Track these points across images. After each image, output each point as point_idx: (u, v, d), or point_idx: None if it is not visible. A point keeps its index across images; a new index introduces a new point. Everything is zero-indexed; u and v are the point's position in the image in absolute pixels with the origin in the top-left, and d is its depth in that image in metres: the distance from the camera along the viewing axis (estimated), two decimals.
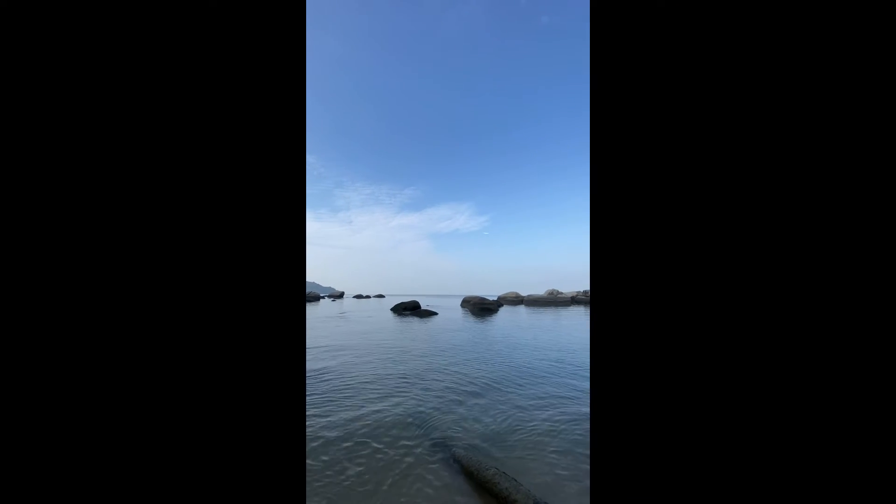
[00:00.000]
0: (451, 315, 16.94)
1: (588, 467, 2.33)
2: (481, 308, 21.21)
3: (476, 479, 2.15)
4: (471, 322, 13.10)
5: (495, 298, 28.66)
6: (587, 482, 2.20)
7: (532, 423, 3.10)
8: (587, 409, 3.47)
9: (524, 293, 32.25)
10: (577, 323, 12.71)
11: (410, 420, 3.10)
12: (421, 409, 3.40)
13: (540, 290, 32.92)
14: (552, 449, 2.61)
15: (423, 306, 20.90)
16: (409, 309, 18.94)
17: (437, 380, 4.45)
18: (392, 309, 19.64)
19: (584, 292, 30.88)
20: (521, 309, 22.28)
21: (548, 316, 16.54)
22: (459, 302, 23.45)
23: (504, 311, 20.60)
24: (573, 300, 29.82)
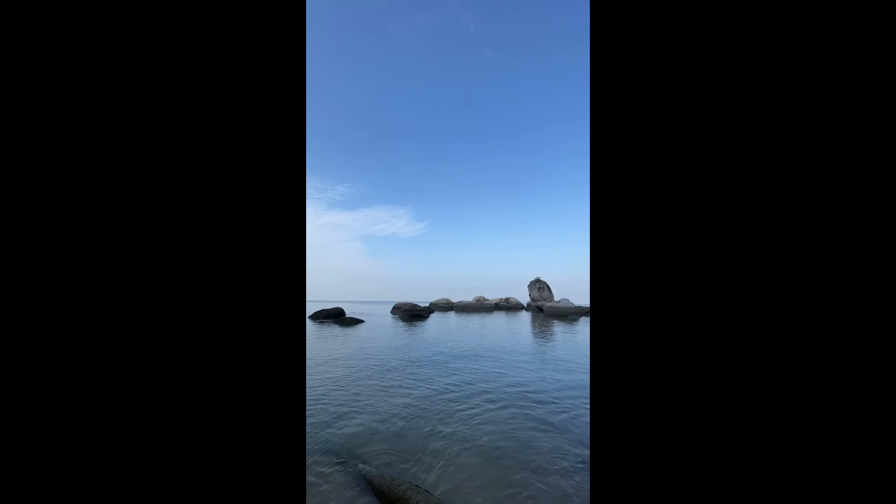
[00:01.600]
0: (379, 322, 16.26)
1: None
2: (412, 315, 21.11)
3: (388, 498, 2.08)
4: (398, 330, 12.85)
5: (427, 304, 28.98)
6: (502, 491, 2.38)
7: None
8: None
9: (455, 299, 33.68)
10: (492, 323, 13.90)
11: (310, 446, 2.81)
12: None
13: (469, 297, 34.97)
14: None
15: (349, 313, 19.47)
16: (331, 316, 17.31)
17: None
18: (311, 317, 17.61)
19: (506, 299, 34.36)
20: (451, 315, 23.13)
21: (474, 321, 17.64)
22: (391, 308, 22.72)
23: (434, 317, 21.00)
24: (496, 306, 32.78)
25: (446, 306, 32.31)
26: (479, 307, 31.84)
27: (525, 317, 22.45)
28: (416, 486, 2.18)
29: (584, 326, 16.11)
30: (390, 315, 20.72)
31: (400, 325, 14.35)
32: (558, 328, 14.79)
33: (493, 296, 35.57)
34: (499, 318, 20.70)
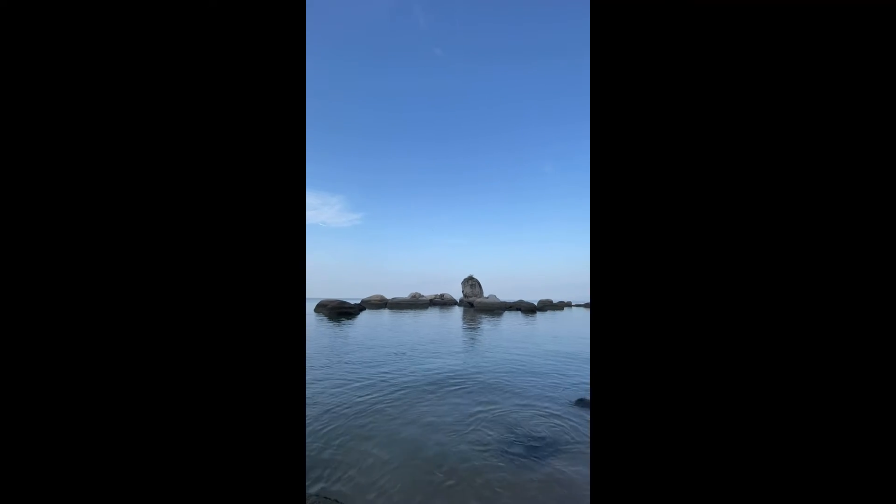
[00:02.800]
0: None
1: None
2: (339, 312, 19.54)
3: None
4: (322, 330, 11.71)
5: (358, 302, 27.34)
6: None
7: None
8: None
9: (390, 296, 32.76)
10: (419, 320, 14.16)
11: None
12: None
13: (404, 293, 34.56)
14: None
15: None
16: None
17: None
18: None
19: (440, 295, 35.30)
20: (385, 312, 22.42)
21: (407, 317, 17.50)
22: (314, 306, 20.52)
23: (365, 315, 19.96)
24: (431, 302, 33.36)
25: (379, 303, 31.18)
26: (415, 303, 31.84)
27: (457, 312, 23.51)
28: (325, 496, 1.96)
29: (506, 319, 17.86)
30: (313, 314, 18.73)
31: (324, 325, 13.06)
32: (483, 322, 15.94)
33: (429, 292, 36.06)
34: (432, 313, 21.05)
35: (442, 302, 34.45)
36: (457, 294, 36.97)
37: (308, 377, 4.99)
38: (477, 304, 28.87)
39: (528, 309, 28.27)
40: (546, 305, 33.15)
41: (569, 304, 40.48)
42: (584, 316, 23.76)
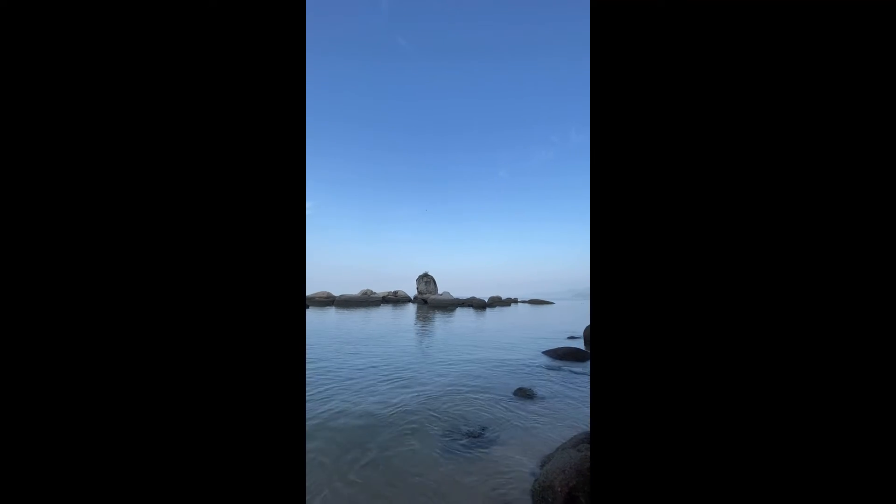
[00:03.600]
0: None
1: None
2: None
3: None
4: None
5: None
6: None
7: None
8: None
9: (337, 293, 30.74)
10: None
11: None
12: None
13: (355, 290, 32.76)
14: None
15: None
16: None
17: None
18: None
19: (394, 292, 34.44)
20: (331, 311, 20.91)
21: (355, 316, 16.60)
22: None
23: (308, 312, 18.32)
24: (384, 299, 32.29)
25: (325, 300, 29.02)
26: (366, 301, 30.43)
27: (411, 309, 23.21)
28: None
29: (458, 315, 18.29)
30: None
31: None
32: (436, 319, 16.06)
33: (383, 289, 34.84)
34: (384, 311, 20.39)
35: (395, 299, 33.66)
36: (412, 291, 36.56)
37: None
38: (431, 301, 28.97)
39: (479, 305, 29.44)
40: (495, 302, 34.99)
41: (515, 301, 43.44)
42: (528, 310, 25.72)
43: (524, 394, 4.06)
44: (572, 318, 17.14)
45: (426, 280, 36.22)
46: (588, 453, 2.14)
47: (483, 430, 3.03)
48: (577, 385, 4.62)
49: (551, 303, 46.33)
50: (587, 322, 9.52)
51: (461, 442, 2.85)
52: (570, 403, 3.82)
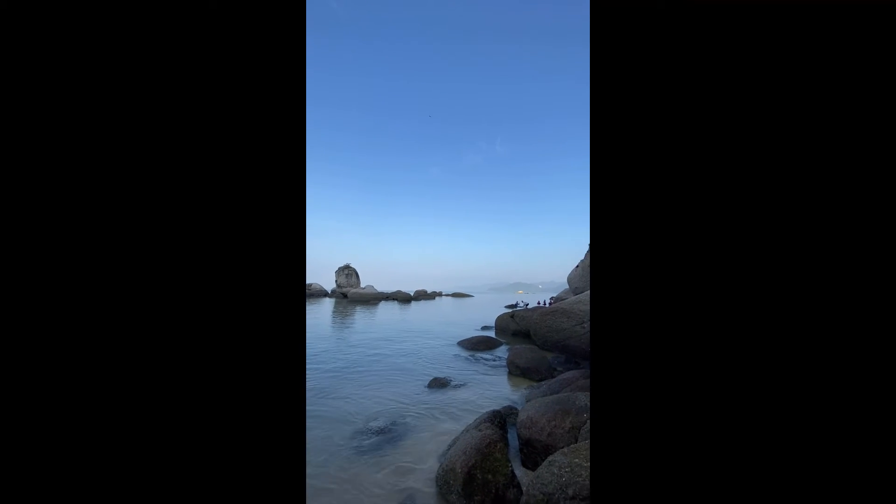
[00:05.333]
0: None
1: None
2: None
3: None
4: None
5: None
6: None
7: None
8: None
9: None
10: None
11: None
12: None
13: None
14: None
15: None
16: None
17: None
18: None
19: (308, 286, 30.83)
20: None
21: None
22: None
23: None
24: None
25: None
26: None
27: (327, 304, 21.15)
28: None
29: (381, 308, 17.75)
30: None
31: None
32: (357, 312, 15.16)
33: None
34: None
35: (309, 293, 30.07)
36: (329, 285, 33.34)
37: None
38: (351, 295, 27.09)
39: (404, 299, 29.27)
40: (421, 295, 35.54)
41: (440, 294, 45.16)
42: (450, 303, 27.13)
43: (438, 383, 4.21)
44: (487, 309, 18.95)
45: (347, 273, 33.69)
46: (488, 431, 2.36)
47: (393, 424, 2.99)
48: (485, 371, 5.09)
49: (471, 296, 50.22)
50: (500, 312, 10.65)
51: (370, 441, 2.73)
52: (478, 388, 4.17)
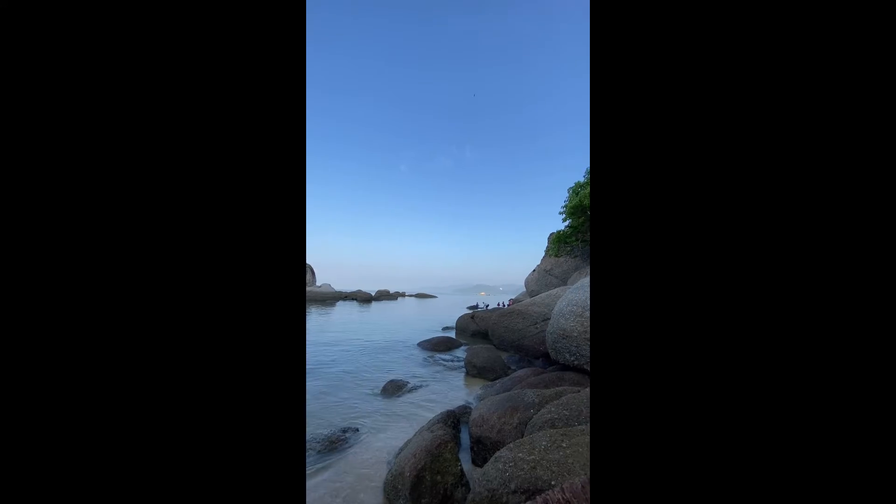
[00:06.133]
0: None
1: None
2: None
3: None
4: None
5: None
6: None
7: None
8: None
9: None
10: None
11: None
12: None
13: None
14: None
15: None
16: None
17: None
18: None
19: None
20: None
21: None
22: None
23: None
24: None
25: None
26: None
27: None
28: None
29: (337, 309, 16.79)
30: None
31: None
32: (311, 314, 14.18)
33: None
34: None
35: None
36: None
37: None
38: (306, 295, 25.22)
39: (364, 299, 28.14)
40: (383, 295, 34.57)
41: (403, 294, 44.43)
42: (413, 303, 26.83)
43: (393, 386, 4.11)
44: (450, 310, 19.16)
45: None
46: (440, 432, 2.35)
47: (343, 432, 2.83)
48: (443, 372, 5.12)
49: (435, 297, 50.31)
50: (462, 313, 10.82)
51: (316, 451, 2.54)
52: (435, 390, 4.17)
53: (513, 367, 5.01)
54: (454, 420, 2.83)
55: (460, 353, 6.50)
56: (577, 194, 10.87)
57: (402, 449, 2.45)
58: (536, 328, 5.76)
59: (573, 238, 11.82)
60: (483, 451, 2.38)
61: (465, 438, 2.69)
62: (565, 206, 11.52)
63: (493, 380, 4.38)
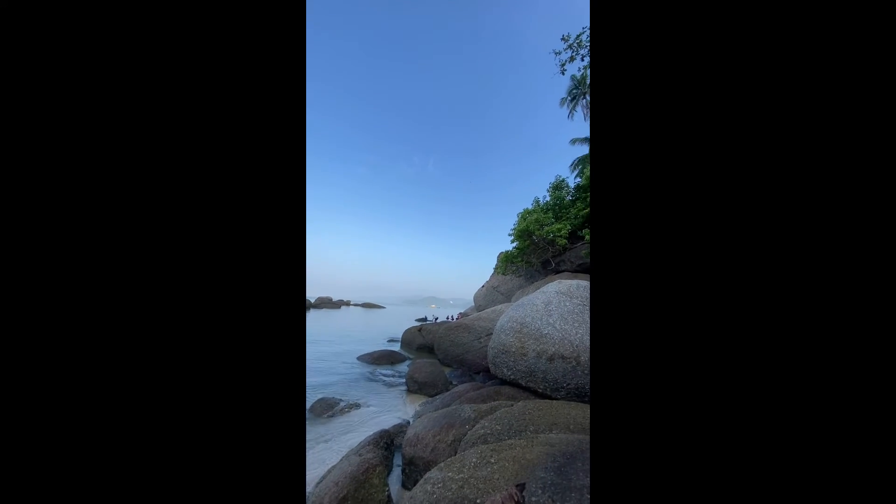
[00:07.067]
0: None
1: None
2: None
3: None
4: None
5: None
6: None
7: None
8: None
9: None
10: None
11: None
12: None
13: None
14: None
15: None
16: None
17: None
18: None
19: None
20: None
21: None
22: None
23: None
24: None
25: None
26: None
27: None
28: None
29: None
30: None
31: None
32: None
33: None
34: None
35: None
36: None
37: None
38: None
39: None
40: (323, 303, 31.86)
41: (347, 303, 41.65)
42: (359, 313, 25.24)
43: (323, 405, 3.72)
44: (398, 322, 18.56)
45: None
46: (368, 455, 2.18)
47: None
48: (382, 388, 4.85)
49: (383, 307, 48.29)
50: (410, 325, 10.53)
51: None
52: (371, 408, 3.90)
53: (454, 382, 5.02)
54: (388, 441, 2.67)
55: (404, 367, 6.28)
56: (524, 220, 11.88)
57: (324, 477, 2.19)
58: (480, 343, 5.92)
59: (519, 259, 12.78)
60: (415, 472, 2.28)
61: (398, 459, 2.55)
62: (514, 229, 12.46)
63: (433, 395, 4.30)
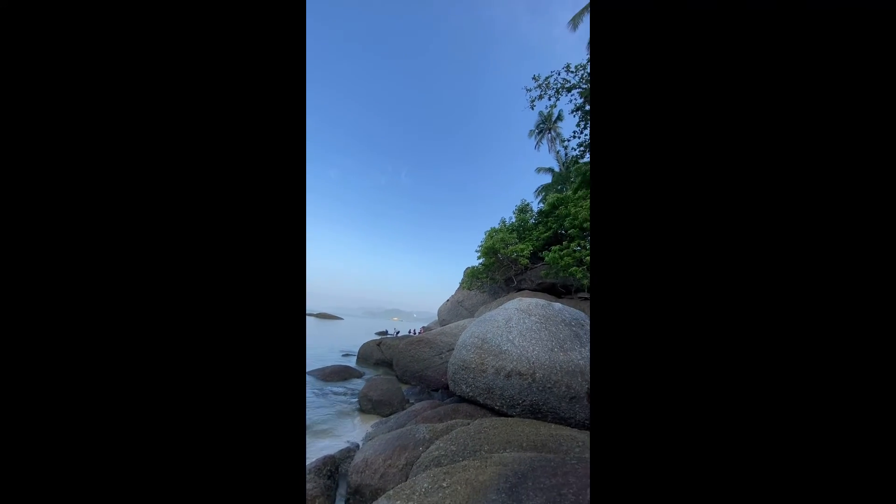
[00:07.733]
0: None
1: None
2: None
3: None
4: None
5: None
6: None
7: None
8: None
9: None
10: None
11: None
12: None
13: None
14: None
15: None
16: None
17: None
18: None
19: None
20: None
21: None
22: None
23: None
24: None
25: None
26: None
27: None
28: None
29: None
30: None
31: None
32: None
33: None
34: None
35: None
36: None
37: None
38: None
39: None
40: None
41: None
42: (313, 324, 23.36)
43: None
44: (355, 334, 17.53)
45: None
46: (309, 486, 1.95)
47: None
48: (331, 407, 4.46)
49: (340, 318, 45.46)
50: (369, 338, 9.98)
51: None
52: (315, 430, 3.54)
53: (411, 401, 4.82)
54: (332, 468, 2.42)
55: (358, 384, 5.87)
56: (491, 238, 12.34)
57: None
58: (441, 358, 5.82)
59: (484, 275, 13.11)
60: (361, 502, 2.09)
61: (343, 487, 2.31)
62: (481, 246, 12.83)
63: (388, 415, 4.06)
